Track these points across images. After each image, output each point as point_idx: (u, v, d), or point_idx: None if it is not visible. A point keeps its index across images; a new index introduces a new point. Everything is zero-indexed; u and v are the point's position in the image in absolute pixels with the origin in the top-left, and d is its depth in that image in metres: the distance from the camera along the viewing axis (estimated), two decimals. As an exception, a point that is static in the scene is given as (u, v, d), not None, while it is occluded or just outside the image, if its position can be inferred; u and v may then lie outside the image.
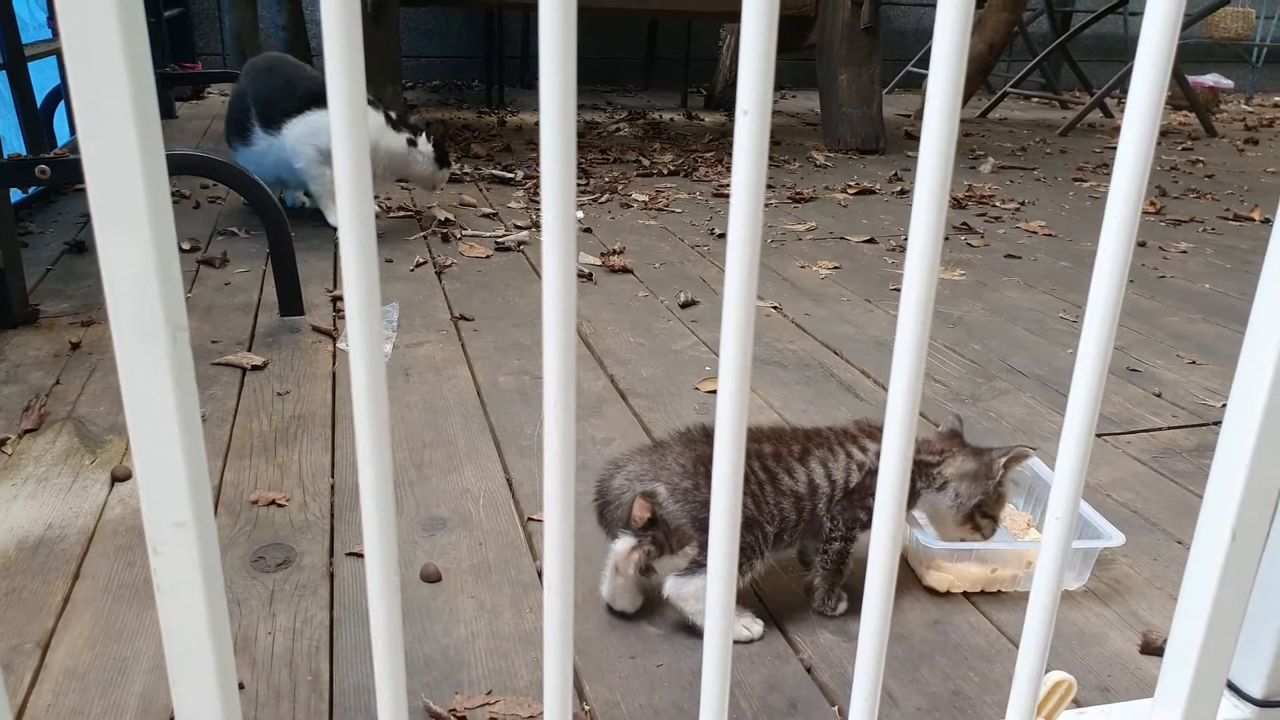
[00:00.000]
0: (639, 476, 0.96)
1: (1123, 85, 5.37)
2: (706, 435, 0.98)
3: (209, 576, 0.52)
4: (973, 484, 1.00)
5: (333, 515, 1.14)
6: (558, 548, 0.55)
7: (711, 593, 0.57)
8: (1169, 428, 1.47)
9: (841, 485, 0.97)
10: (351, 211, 0.47)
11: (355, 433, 0.50)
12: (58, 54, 2.53)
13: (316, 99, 2.35)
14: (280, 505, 1.15)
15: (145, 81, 0.42)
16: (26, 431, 1.31)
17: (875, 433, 1.01)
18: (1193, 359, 1.77)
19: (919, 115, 5.29)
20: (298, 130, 2.37)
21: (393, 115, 2.44)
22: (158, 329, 0.46)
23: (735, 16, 4.77)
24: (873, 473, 0.98)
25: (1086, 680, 0.91)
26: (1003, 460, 1.01)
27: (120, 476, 1.20)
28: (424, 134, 2.48)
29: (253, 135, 2.43)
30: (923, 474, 1.00)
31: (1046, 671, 0.74)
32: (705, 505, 0.94)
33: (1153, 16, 0.52)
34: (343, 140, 0.46)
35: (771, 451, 0.96)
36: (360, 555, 1.06)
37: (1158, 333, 1.91)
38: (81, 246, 2.21)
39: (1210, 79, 6.11)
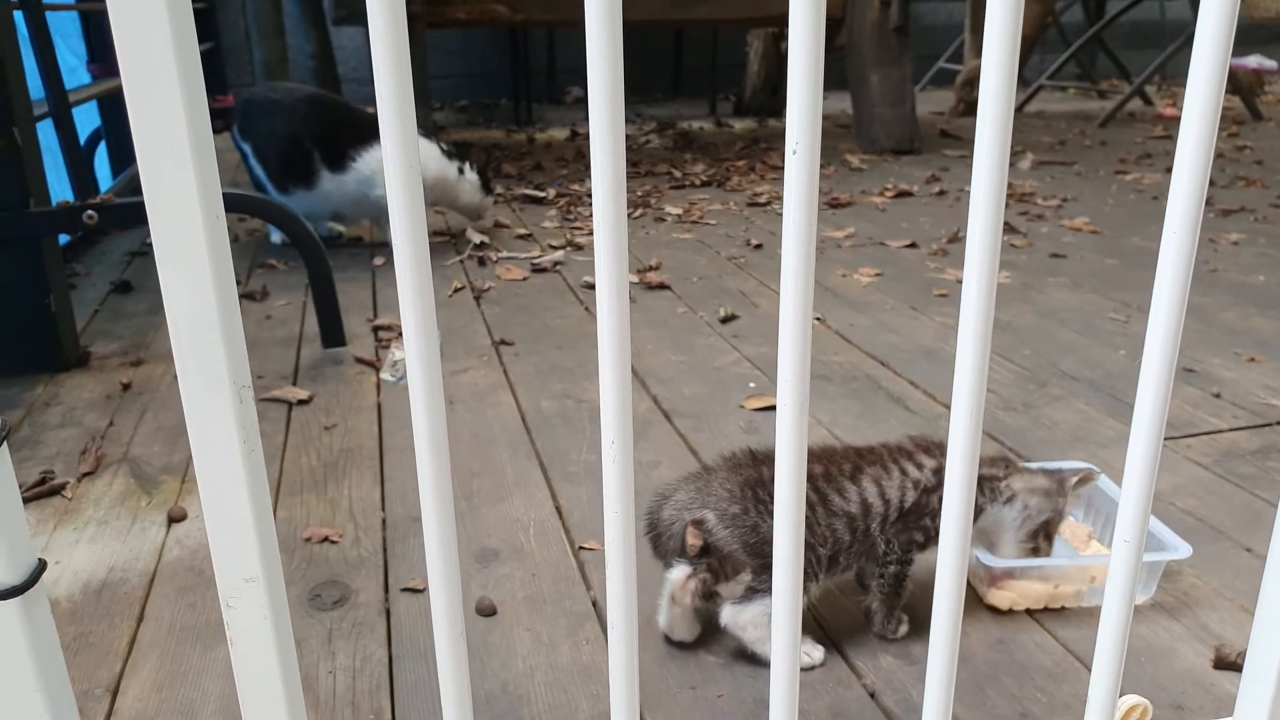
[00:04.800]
0: (687, 505, 0.95)
1: (1162, 71, 5.28)
2: (753, 459, 0.97)
3: (279, 627, 0.53)
4: (1044, 500, 1.00)
5: (385, 550, 1.14)
6: (621, 592, 0.55)
7: (777, 631, 0.57)
8: (1230, 429, 1.43)
9: (897, 504, 0.96)
10: (406, 238, 0.47)
11: (420, 491, 0.50)
12: (98, 98, 2.59)
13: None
14: (333, 542, 1.16)
15: (204, 132, 0.43)
16: (85, 475, 1.33)
17: (932, 448, 0.99)
18: (1251, 356, 1.72)
19: (953, 112, 5.23)
20: (375, 160, 2.43)
21: (444, 146, 2.54)
22: (223, 385, 0.46)
23: (761, 23, 4.76)
24: (928, 491, 0.96)
25: (1159, 699, 0.89)
26: (1074, 480, 1.01)
27: (176, 517, 1.21)
28: (468, 162, 2.57)
29: (317, 178, 2.47)
30: (984, 489, 0.99)
31: (1120, 695, 0.72)
32: (754, 530, 0.93)
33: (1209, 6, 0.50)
34: (396, 166, 0.46)
35: (822, 471, 0.95)
36: (415, 590, 1.06)
37: (1213, 330, 1.86)
38: (127, 286, 2.24)
39: (1253, 61, 5.97)
